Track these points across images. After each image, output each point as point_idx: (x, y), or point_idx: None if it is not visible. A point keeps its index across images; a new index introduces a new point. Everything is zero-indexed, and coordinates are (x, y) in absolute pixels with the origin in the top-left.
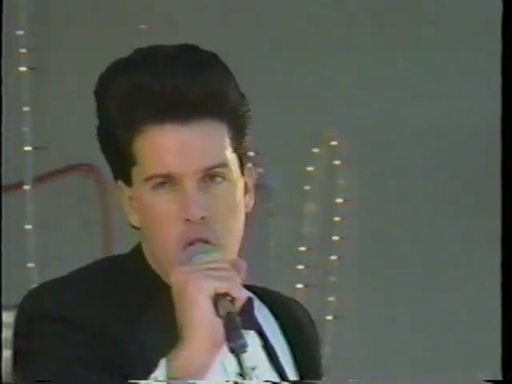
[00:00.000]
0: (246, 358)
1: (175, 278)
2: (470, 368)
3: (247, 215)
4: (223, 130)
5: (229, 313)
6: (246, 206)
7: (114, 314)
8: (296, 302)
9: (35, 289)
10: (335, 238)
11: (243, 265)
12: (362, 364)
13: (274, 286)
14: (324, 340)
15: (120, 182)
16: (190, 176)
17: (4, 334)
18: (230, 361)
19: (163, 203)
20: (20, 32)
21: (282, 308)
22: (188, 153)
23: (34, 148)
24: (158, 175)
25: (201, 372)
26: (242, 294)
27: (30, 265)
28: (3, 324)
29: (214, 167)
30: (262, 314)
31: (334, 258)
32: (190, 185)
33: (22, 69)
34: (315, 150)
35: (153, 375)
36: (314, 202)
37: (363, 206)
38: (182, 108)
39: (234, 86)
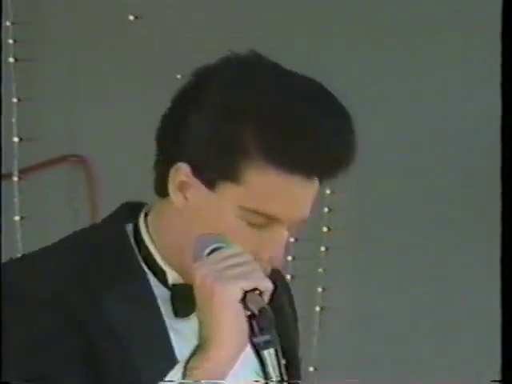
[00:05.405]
0: (269, 354)
1: (199, 282)
2: (470, 368)
3: None
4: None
5: (262, 308)
6: None
7: (81, 289)
8: (279, 274)
9: (2, 265)
10: (324, 229)
11: None
12: (351, 356)
13: None
14: (312, 331)
15: (185, 167)
16: (286, 224)
17: None
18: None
19: (245, 227)
20: (7, 23)
21: None
22: (300, 205)
23: (22, 139)
24: (260, 213)
25: (222, 377)
26: (270, 286)
27: (18, 256)
28: None
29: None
30: None
31: (322, 249)
32: (283, 230)
33: (10, 60)
34: None
35: (168, 377)
36: None
37: (352, 197)
38: (324, 167)
39: None
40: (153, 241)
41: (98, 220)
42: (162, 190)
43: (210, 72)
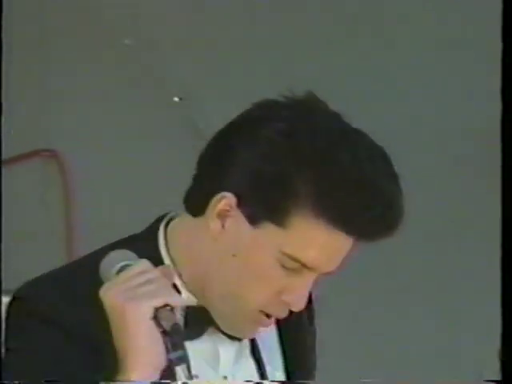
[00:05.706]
0: (184, 369)
1: (109, 303)
2: (470, 368)
3: None
4: None
5: (174, 324)
6: None
7: (102, 318)
8: None
9: (28, 283)
10: None
11: (171, 270)
12: (346, 357)
13: None
14: None
15: (230, 196)
16: (316, 272)
17: None
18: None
19: (278, 268)
20: None
21: None
22: (336, 259)
23: None
24: (298, 261)
25: None
26: (180, 301)
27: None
28: None
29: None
30: None
31: None
32: (311, 278)
33: None
34: None
35: None
36: None
37: None
38: (374, 230)
39: None
40: (169, 254)
41: (70, 213)
42: (195, 210)
43: (272, 108)
